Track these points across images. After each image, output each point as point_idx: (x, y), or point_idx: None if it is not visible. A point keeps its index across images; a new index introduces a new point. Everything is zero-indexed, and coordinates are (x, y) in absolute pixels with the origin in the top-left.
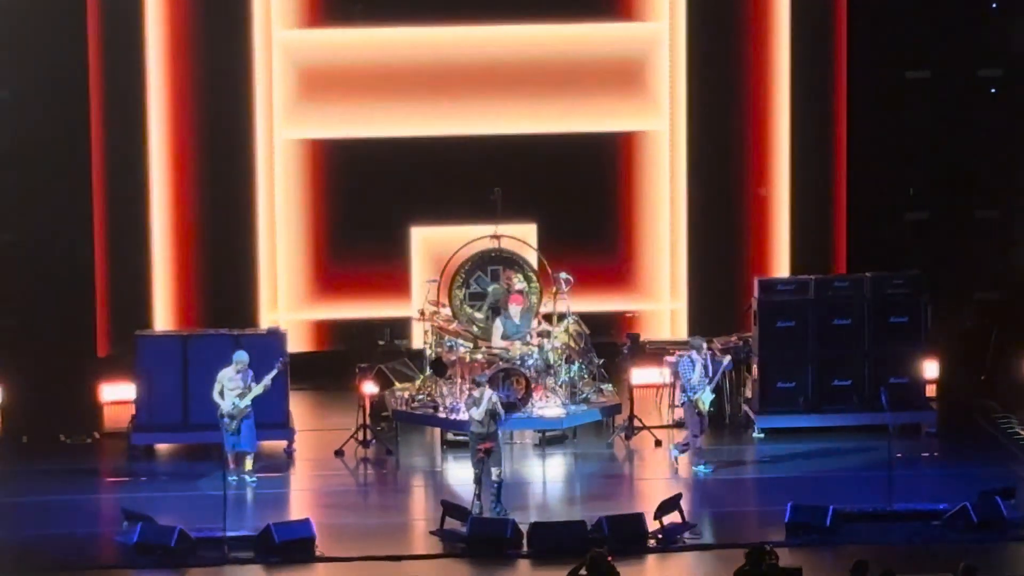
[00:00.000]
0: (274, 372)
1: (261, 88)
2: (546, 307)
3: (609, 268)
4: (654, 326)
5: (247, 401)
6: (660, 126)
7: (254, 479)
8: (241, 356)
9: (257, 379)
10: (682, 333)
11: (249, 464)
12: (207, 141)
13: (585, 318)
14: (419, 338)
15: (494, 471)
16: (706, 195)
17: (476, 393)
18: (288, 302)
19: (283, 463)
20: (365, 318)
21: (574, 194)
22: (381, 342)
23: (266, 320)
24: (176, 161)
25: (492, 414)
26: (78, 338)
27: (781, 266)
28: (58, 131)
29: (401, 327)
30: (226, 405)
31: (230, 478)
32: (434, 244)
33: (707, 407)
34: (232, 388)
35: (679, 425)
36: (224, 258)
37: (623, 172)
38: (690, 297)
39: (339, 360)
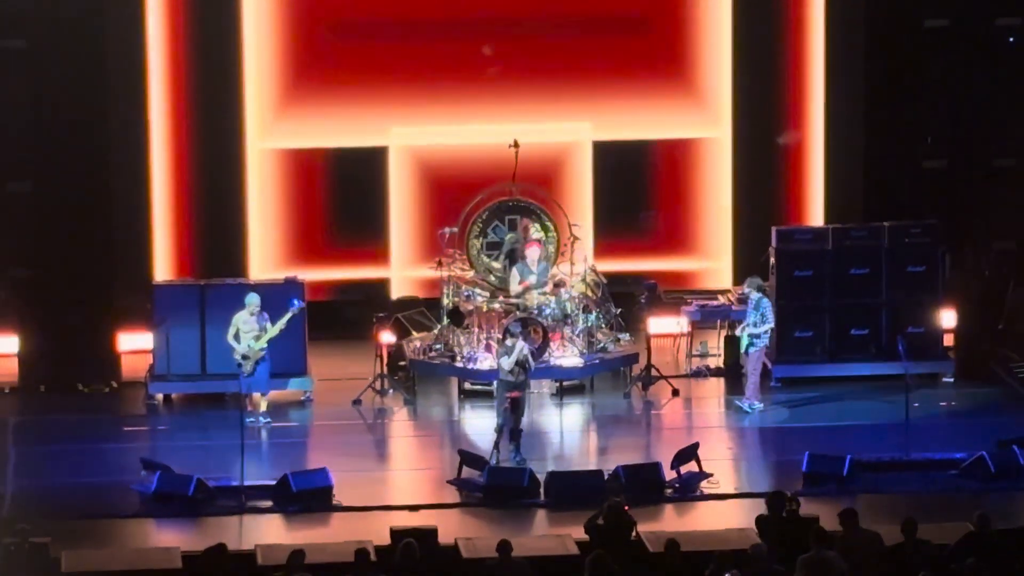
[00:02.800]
0: (289, 314)
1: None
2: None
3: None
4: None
5: (263, 343)
6: (700, 83)
7: (268, 419)
8: (253, 298)
9: (272, 322)
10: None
11: (264, 406)
12: (204, 98)
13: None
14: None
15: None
16: (748, 151)
17: (508, 342)
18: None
19: (301, 412)
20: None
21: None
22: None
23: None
24: (175, 115)
25: (521, 364)
26: (96, 287)
27: (816, 218)
28: (75, 80)
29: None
30: (242, 347)
31: (248, 420)
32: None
33: (741, 350)
34: (247, 331)
35: (696, 375)
36: (216, 214)
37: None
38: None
39: (357, 310)
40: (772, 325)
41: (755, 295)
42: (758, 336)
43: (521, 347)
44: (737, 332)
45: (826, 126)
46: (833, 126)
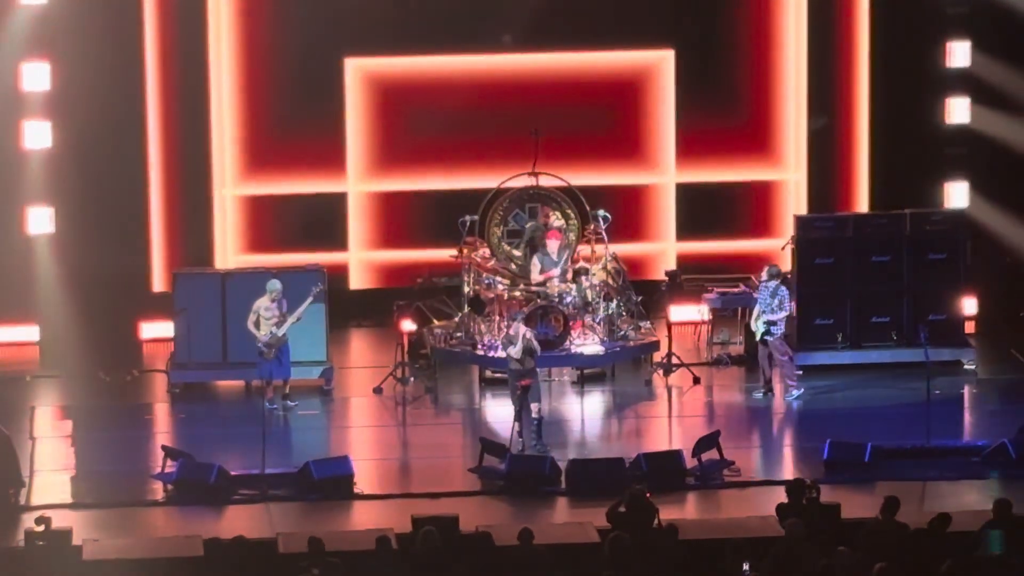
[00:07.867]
0: (309, 300)
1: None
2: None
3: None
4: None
5: (284, 329)
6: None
7: (295, 402)
8: (274, 285)
9: (292, 309)
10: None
11: (287, 390)
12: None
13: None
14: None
15: (533, 407)
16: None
17: (511, 332)
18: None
19: (322, 400)
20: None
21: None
22: (419, 279)
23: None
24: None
25: (528, 351)
26: (119, 276)
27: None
28: (86, 67)
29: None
30: (264, 335)
31: (272, 407)
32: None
33: (757, 336)
34: (268, 317)
35: (717, 362)
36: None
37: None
38: None
39: (377, 298)
40: (788, 312)
41: (772, 282)
42: (775, 323)
43: (523, 332)
44: (751, 321)
45: (871, 106)
46: (878, 117)
